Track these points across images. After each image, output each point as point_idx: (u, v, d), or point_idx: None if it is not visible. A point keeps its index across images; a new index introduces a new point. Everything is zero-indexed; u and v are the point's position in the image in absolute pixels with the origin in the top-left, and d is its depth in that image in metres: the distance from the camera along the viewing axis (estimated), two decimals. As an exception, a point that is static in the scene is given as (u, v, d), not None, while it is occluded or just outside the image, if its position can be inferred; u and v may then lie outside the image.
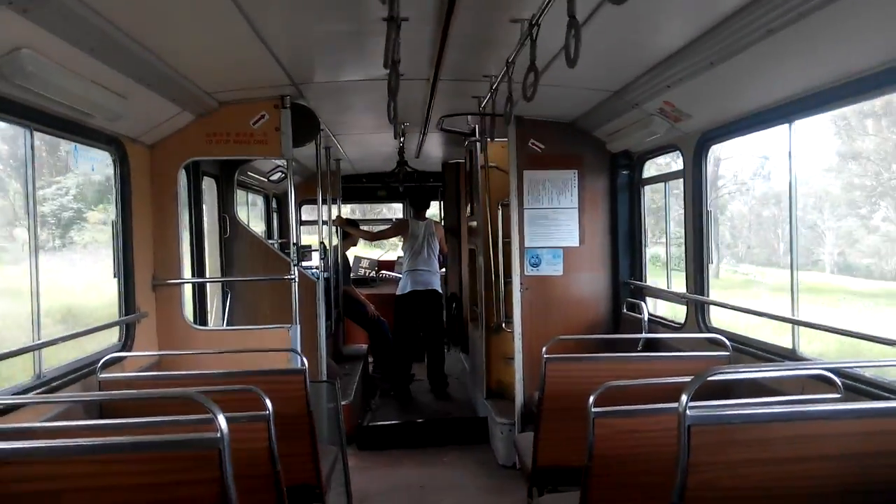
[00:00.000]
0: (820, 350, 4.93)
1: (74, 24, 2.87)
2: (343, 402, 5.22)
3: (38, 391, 3.45)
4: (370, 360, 8.69)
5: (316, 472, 3.72)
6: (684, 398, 2.12)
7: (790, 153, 3.85)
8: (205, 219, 5.91)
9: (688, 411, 2.11)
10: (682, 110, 4.36)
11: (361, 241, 9.87)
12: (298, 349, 4.72)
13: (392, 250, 12.27)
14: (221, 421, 2.08)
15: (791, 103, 3.64)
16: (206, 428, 2.28)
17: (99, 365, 3.77)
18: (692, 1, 3.08)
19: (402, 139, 6.32)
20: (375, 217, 12.91)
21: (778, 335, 4.24)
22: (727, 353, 4.02)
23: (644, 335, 5.30)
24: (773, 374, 3.65)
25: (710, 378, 2.25)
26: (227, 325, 6.11)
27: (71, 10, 2.77)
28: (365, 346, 8.82)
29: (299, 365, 4.17)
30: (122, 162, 4.38)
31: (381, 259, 11.32)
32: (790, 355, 3.88)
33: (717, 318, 4.85)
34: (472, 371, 7.67)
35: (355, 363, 7.96)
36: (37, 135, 3.51)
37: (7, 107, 3.16)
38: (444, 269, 9.49)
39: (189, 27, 3.37)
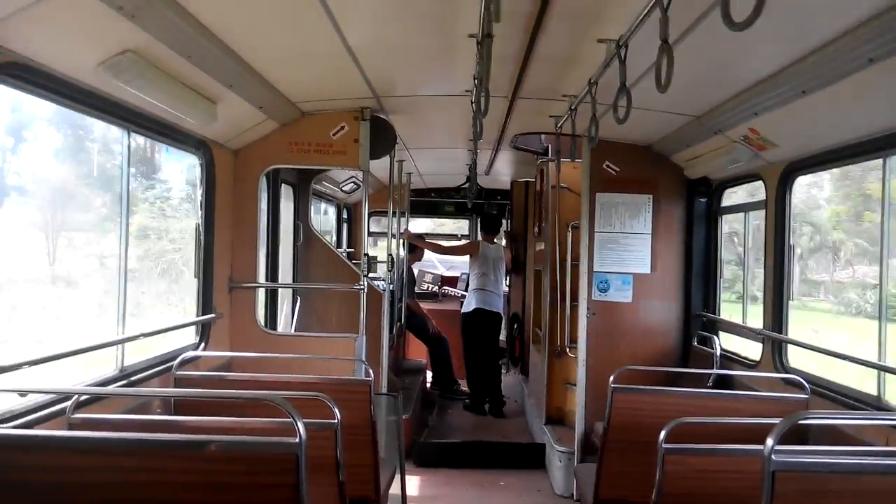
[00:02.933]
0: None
1: (176, 30, 3.01)
2: (403, 417, 5.24)
3: (119, 384, 3.58)
4: (429, 374, 8.71)
5: (375, 485, 3.73)
6: (770, 442, 2.03)
7: (884, 188, 3.68)
8: (280, 225, 6.06)
9: (773, 456, 2.02)
10: (767, 139, 4.22)
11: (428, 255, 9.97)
12: (364, 359, 4.77)
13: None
14: (300, 427, 2.10)
15: (887, 136, 3.47)
16: (280, 431, 2.31)
17: (176, 362, 3.89)
18: (788, 25, 2.97)
19: (475, 155, 6.35)
20: (441, 232, 12.96)
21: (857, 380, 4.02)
22: (806, 397, 3.83)
23: (716, 371, 5.12)
24: (860, 421, 3.46)
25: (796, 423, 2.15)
26: (296, 330, 6.23)
27: (174, 16, 2.91)
28: (424, 361, 8.84)
29: (364, 375, 4.20)
30: (208, 165, 4.55)
31: (444, 275, 11.35)
32: (874, 402, 3.67)
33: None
34: (531, 395, 7.57)
35: (414, 377, 7.98)
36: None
37: (110, 108, 3.33)
38: (507, 289, 9.47)
39: (281, 36, 3.49)
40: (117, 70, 2.98)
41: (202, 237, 4.54)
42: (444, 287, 11.04)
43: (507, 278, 9.32)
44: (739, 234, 5.37)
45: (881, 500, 2.14)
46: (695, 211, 5.74)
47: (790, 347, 4.60)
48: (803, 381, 3.92)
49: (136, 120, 3.63)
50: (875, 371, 3.68)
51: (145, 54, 3.06)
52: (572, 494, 5.56)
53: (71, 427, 2.82)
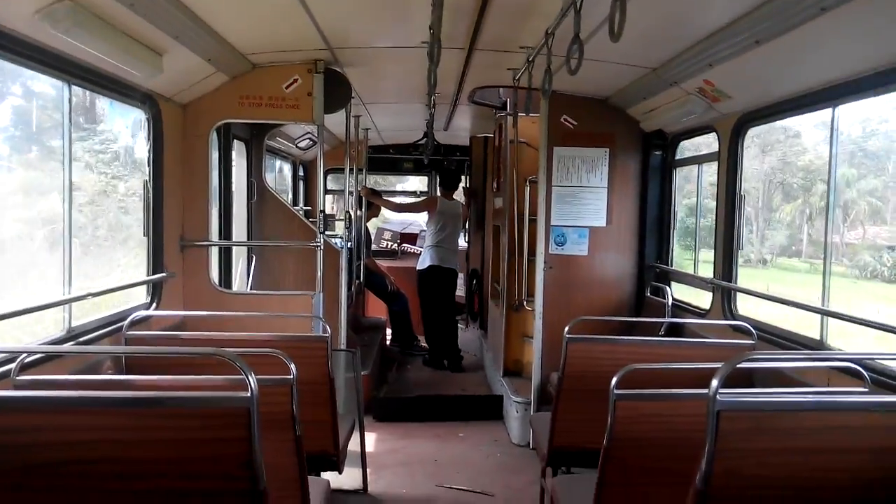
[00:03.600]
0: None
1: None
2: (362, 373, 5.25)
3: (68, 345, 3.49)
4: (388, 331, 8.74)
5: (334, 440, 3.75)
6: (715, 383, 2.09)
7: (832, 138, 3.76)
8: (234, 182, 5.93)
9: (718, 397, 2.08)
10: (722, 90, 4.26)
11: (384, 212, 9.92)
12: (322, 316, 4.75)
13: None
14: (252, 381, 2.08)
15: (837, 87, 3.54)
16: (233, 388, 2.28)
17: (126, 322, 3.80)
18: (742, -25, 2.99)
19: (432, 110, 6.27)
20: (399, 189, 12.88)
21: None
22: (752, 342, 3.96)
23: (667, 320, 5.25)
24: (803, 363, 3.59)
25: (738, 365, 2.22)
26: (251, 289, 6.15)
27: None
28: (383, 318, 8.86)
29: (321, 332, 4.18)
30: (155, 120, 4.39)
31: (403, 232, 11.32)
32: (818, 346, 3.81)
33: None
34: (489, 349, 7.67)
35: (373, 334, 8.01)
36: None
37: (48, 59, 3.17)
38: (465, 245, 9.51)
39: None
40: (55, 19, 2.83)
41: (150, 195, 4.41)
42: (403, 244, 11.02)
43: (466, 234, 9.35)
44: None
45: (821, 436, 2.23)
46: (650, 164, 5.80)
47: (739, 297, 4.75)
48: (750, 328, 4.04)
49: (76, 72, 3.46)
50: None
51: (84, 2, 2.90)
52: (528, 443, 5.70)
53: (16, 388, 2.74)
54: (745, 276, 4.84)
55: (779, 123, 4.37)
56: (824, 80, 3.59)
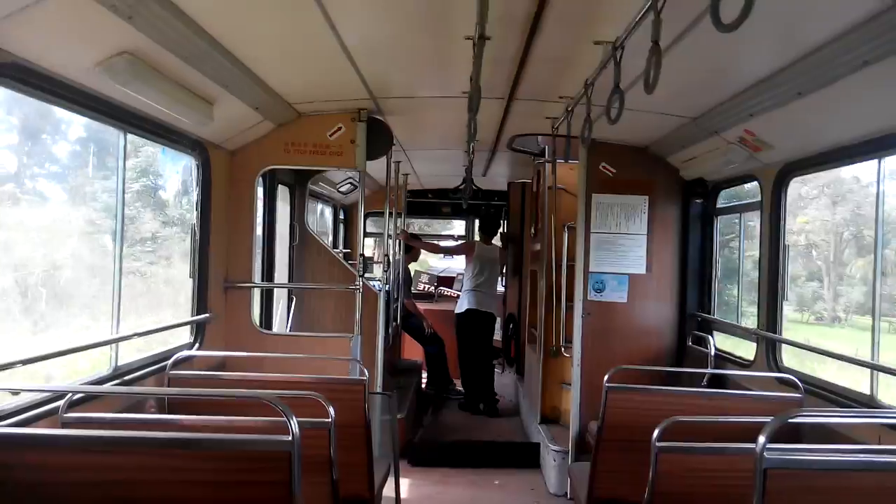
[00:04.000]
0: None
1: (172, 31, 3.01)
2: (398, 416, 5.24)
3: (113, 383, 3.58)
4: (423, 374, 8.71)
5: (369, 485, 3.73)
6: (762, 439, 2.04)
7: (878, 190, 3.70)
8: (277, 226, 6.06)
9: (765, 454, 2.03)
10: (763, 140, 4.24)
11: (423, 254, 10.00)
12: (359, 359, 4.78)
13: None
14: (294, 425, 2.11)
15: (882, 139, 3.49)
16: (274, 430, 2.31)
17: (170, 362, 3.88)
18: (782, 28, 2.99)
19: (471, 157, 6.37)
20: (437, 233, 13.00)
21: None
22: (799, 395, 3.84)
23: (710, 370, 5.13)
24: (854, 420, 3.47)
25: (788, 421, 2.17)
26: (291, 330, 6.23)
27: (170, 17, 2.91)
28: (419, 361, 8.85)
29: (358, 375, 4.20)
30: (204, 166, 4.55)
31: (440, 275, 11.36)
32: (868, 402, 3.68)
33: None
34: (526, 395, 7.58)
35: (409, 377, 7.99)
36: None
37: (106, 108, 3.33)
38: (502, 289, 9.49)
39: (277, 37, 3.49)
40: (113, 71, 2.97)
41: (197, 237, 4.54)
42: (440, 287, 11.05)
43: (503, 279, 9.35)
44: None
45: (872, 497, 2.16)
46: (690, 212, 5.75)
47: (784, 348, 4.63)
48: (797, 381, 3.93)
49: (132, 121, 3.63)
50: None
51: (141, 55, 3.06)
52: (566, 493, 5.57)
53: (63, 426, 2.81)
54: (818, 335, 4.61)
55: (850, 172, 4.23)
56: (868, 132, 3.55)
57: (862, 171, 3.68)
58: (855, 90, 3.16)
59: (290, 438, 2.11)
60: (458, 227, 12.14)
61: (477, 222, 9.03)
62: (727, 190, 5.64)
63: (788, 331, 4.77)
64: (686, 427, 2.87)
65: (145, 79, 3.14)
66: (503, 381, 9.01)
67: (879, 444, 3.30)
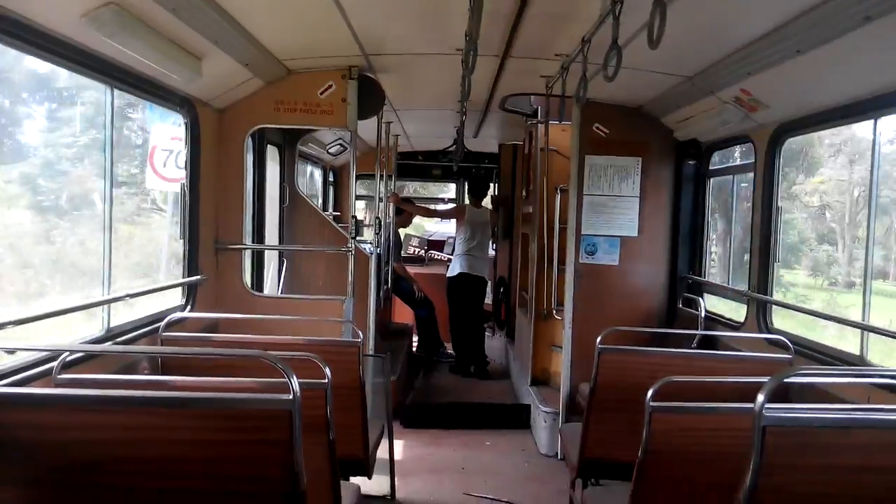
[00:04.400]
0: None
1: None
2: (391, 378, 5.26)
3: (106, 344, 3.55)
4: (415, 337, 8.75)
5: (364, 445, 3.75)
6: (761, 398, 2.05)
7: (874, 150, 3.69)
8: (267, 187, 5.99)
9: (764, 412, 2.04)
10: (759, 100, 4.20)
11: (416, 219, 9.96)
12: (352, 321, 4.77)
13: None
14: (294, 384, 2.10)
15: (879, 97, 3.47)
16: (271, 390, 2.30)
17: (163, 324, 3.85)
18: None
19: (464, 117, 6.29)
20: (433, 196, 12.95)
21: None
22: (789, 356, 3.88)
23: (700, 332, 5.17)
24: (848, 379, 3.52)
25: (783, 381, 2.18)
26: (282, 292, 6.20)
27: None
28: (410, 324, 8.87)
29: (351, 337, 4.20)
30: (192, 124, 4.46)
31: (430, 238, 11.34)
32: (858, 361, 3.73)
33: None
34: (517, 357, 7.64)
35: (400, 340, 8.02)
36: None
37: (92, 62, 3.24)
38: (493, 253, 9.49)
39: None
40: (100, 23, 2.89)
41: (187, 198, 4.47)
42: (431, 251, 11.04)
43: (493, 242, 9.34)
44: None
45: (867, 453, 2.19)
46: (683, 173, 5.74)
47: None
48: (787, 342, 3.97)
49: (119, 76, 3.53)
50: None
51: (129, 7, 2.96)
52: (556, 454, 5.65)
53: (57, 387, 2.79)
54: (828, 303, 4.50)
55: (869, 130, 4.16)
56: (866, 91, 3.52)
57: (883, 128, 3.63)
58: (855, 47, 3.12)
59: (290, 397, 2.10)
60: (447, 189, 12.09)
61: (466, 185, 8.97)
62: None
63: (803, 300, 4.71)
64: (679, 387, 2.89)
65: (132, 31, 3.05)
66: (493, 344, 9.06)
67: (869, 402, 3.35)
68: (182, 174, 4.37)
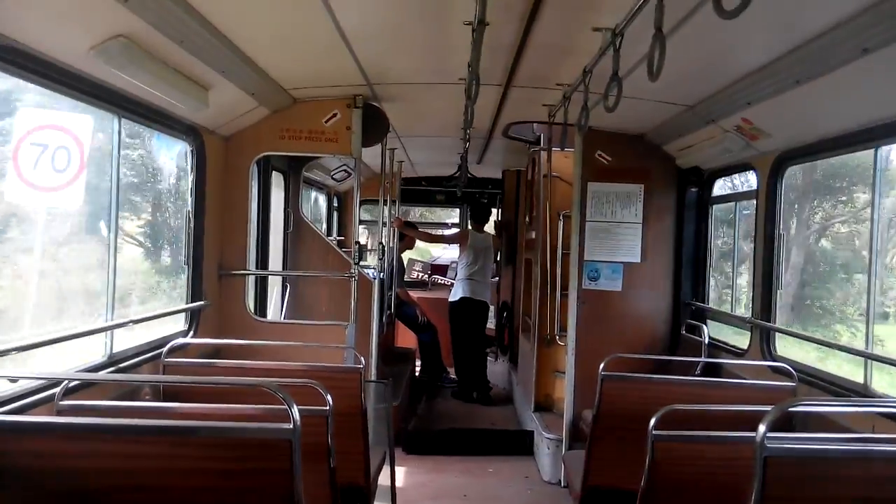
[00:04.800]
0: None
1: (168, 15, 2.97)
2: (393, 404, 5.24)
3: (108, 371, 3.55)
4: (417, 362, 8.72)
5: (365, 472, 3.73)
6: (762, 428, 2.05)
7: (875, 179, 3.70)
8: (271, 213, 6.03)
9: (766, 442, 2.04)
10: (760, 129, 4.23)
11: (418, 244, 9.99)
12: (354, 347, 4.77)
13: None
14: (295, 413, 2.10)
15: (879, 127, 3.49)
16: (272, 418, 2.30)
17: (165, 350, 3.86)
18: (783, 14, 2.97)
19: (467, 144, 6.34)
20: (439, 220, 12.98)
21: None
22: (793, 384, 3.86)
23: (704, 359, 5.15)
24: (851, 409, 3.49)
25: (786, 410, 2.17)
26: (285, 318, 6.21)
27: (166, 0, 2.86)
28: (413, 349, 8.85)
29: (354, 363, 4.19)
30: (199, 152, 4.50)
31: (434, 263, 11.36)
32: (861, 390, 3.71)
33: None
34: (520, 382, 7.60)
35: (403, 365, 8.00)
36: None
37: (100, 93, 3.29)
38: (496, 278, 9.49)
39: (273, 22, 3.45)
40: (108, 55, 2.94)
41: (192, 224, 4.51)
42: (434, 275, 11.05)
43: (496, 267, 9.35)
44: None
45: (869, 486, 2.17)
46: (686, 200, 5.76)
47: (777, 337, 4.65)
48: (791, 370, 3.95)
49: (126, 105, 3.59)
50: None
51: (137, 39, 3.01)
52: (560, 481, 5.60)
53: (59, 414, 2.79)
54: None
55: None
56: (866, 121, 3.54)
57: (884, 156, 3.62)
58: (854, 78, 3.16)
59: (290, 426, 2.10)
60: (453, 214, 12.12)
61: (469, 211, 9.02)
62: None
63: (836, 335, 4.57)
64: (682, 415, 2.88)
65: (140, 63, 3.10)
66: (496, 369, 9.03)
67: (874, 432, 3.32)
68: (66, 179, 3.67)
